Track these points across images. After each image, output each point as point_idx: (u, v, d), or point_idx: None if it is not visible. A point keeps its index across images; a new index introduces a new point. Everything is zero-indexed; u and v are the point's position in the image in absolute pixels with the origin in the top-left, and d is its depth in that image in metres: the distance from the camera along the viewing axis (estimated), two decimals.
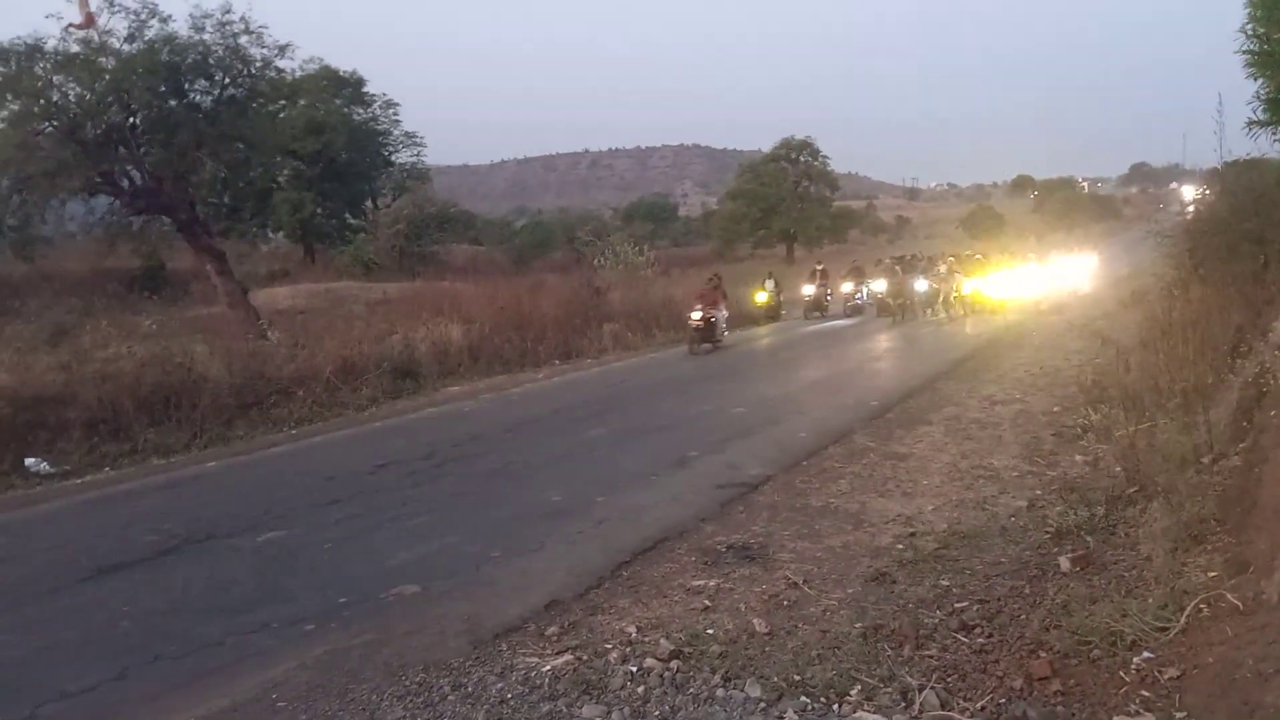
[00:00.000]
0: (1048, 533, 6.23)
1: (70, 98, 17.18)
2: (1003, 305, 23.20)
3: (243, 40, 18.42)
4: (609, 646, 4.90)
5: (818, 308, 26.49)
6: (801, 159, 49.50)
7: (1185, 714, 3.68)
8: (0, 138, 16.81)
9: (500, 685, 4.54)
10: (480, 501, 8.40)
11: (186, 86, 18.49)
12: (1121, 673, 4.09)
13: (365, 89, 41.02)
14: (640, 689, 4.41)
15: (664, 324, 21.65)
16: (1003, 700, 4.05)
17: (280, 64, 19.79)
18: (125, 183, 18.53)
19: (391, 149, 42.62)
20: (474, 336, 17.23)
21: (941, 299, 23.83)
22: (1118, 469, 7.07)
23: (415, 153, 44.07)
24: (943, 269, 25.12)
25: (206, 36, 18.07)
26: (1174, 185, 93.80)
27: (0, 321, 19.62)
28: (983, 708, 4.02)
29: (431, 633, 5.29)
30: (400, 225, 36.04)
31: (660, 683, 4.46)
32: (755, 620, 5.11)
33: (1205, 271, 10.40)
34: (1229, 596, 4.19)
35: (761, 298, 25.43)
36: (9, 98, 16.68)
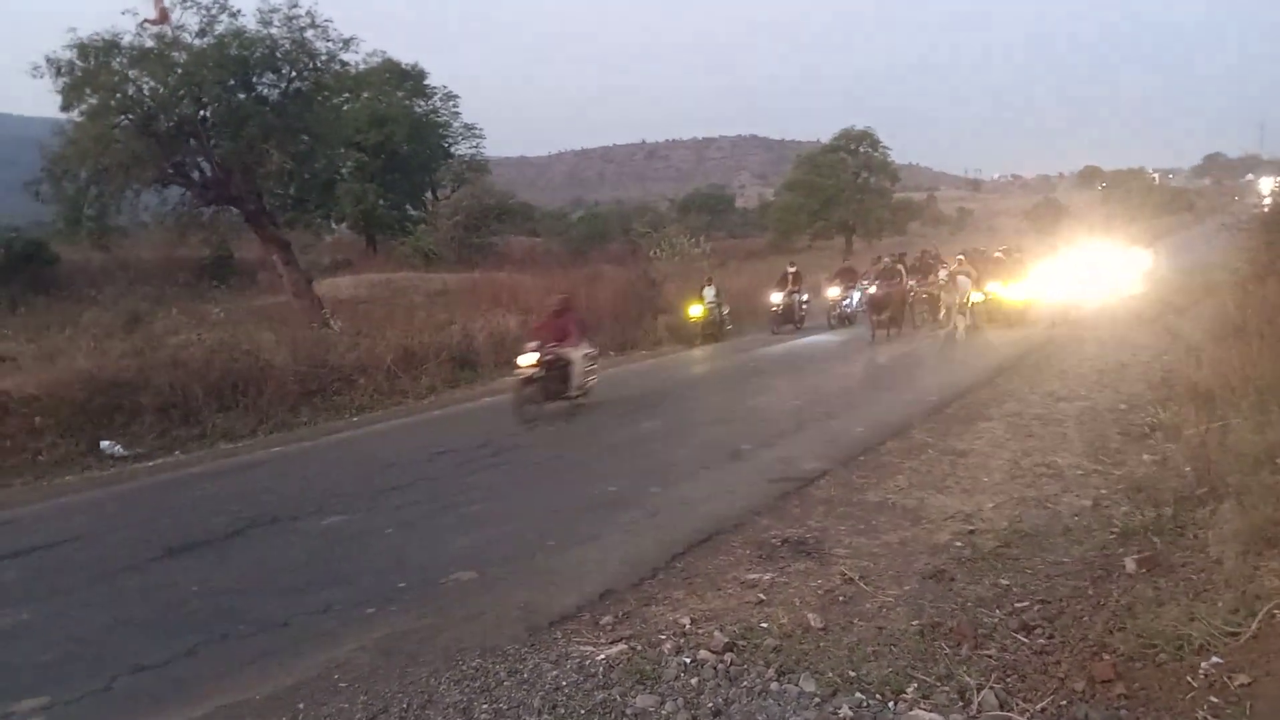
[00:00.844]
0: (1113, 533, 6.09)
1: (144, 91, 17.70)
2: (1023, 315, 19.03)
3: (308, 34, 18.78)
4: (663, 637, 4.92)
5: (789, 319, 21.16)
6: (861, 150, 48.79)
7: None
8: (79, 131, 17.42)
9: (555, 672, 4.59)
10: (536, 490, 8.49)
11: (254, 80, 18.92)
12: (1189, 678, 3.99)
13: (426, 81, 41.64)
14: (694, 680, 4.42)
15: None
16: (1064, 702, 3.99)
17: (344, 57, 20.17)
18: (196, 174, 19.06)
19: (451, 141, 43.09)
20: (530, 327, 17.31)
21: (944, 309, 18.88)
22: (1187, 469, 6.88)
23: (474, 144, 44.54)
24: (942, 274, 19.72)
25: (274, 31, 18.46)
26: (1249, 177, 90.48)
27: (78, 308, 20.40)
28: (1043, 709, 3.96)
29: (488, 619, 5.37)
30: (459, 216, 36.47)
31: (714, 675, 4.47)
32: (810, 615, 5.09)
33: None
34: None
35: (695, 311, 19.81)
36: (87, 92, 17.25)
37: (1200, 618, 4.33)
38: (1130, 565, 5.37)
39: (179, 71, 17.58)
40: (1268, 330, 7.58)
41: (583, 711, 4.19)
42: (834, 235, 48.88)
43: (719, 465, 8.87)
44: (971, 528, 6.52)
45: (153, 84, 17.69)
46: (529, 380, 11.43)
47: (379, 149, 36.64)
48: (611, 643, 4.90)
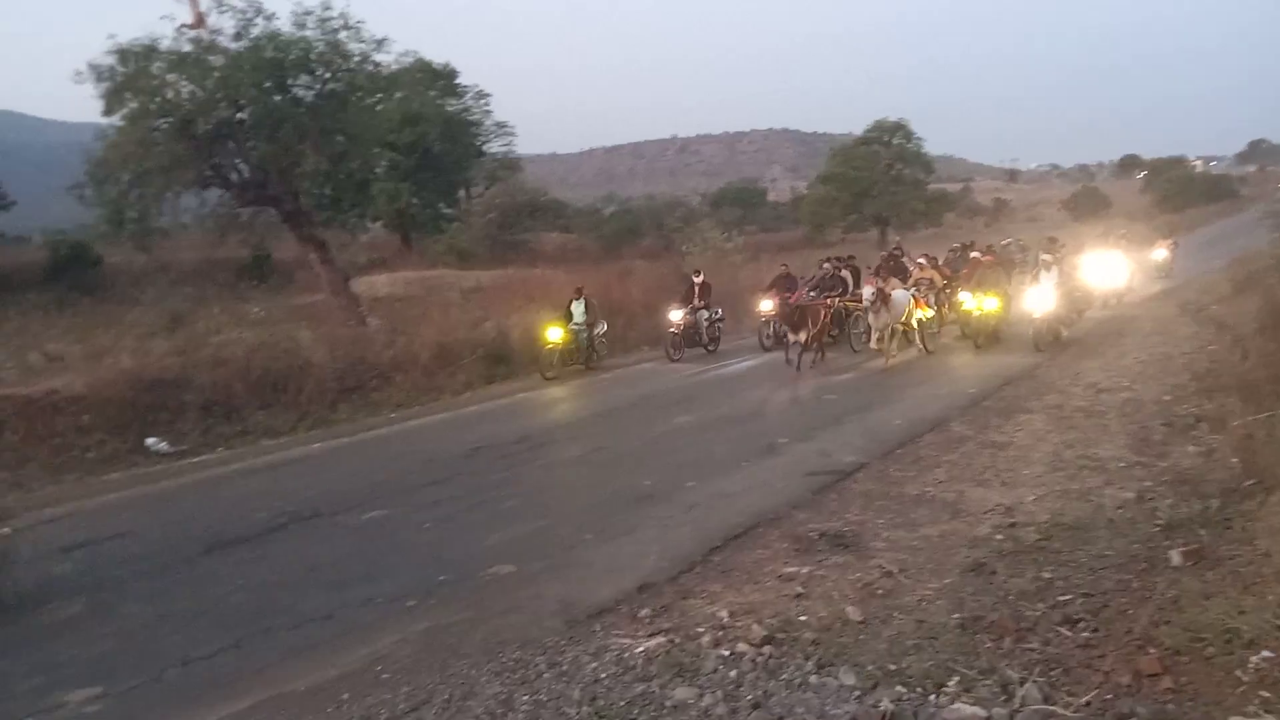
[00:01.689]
0: (1157, 526, 5.99)
1: (183, 95, 17.98)
2: (995, 332, 15.13)
3: (342, 35, 18.97)
4: (701, 630, 4.93)
5: (690, 340, 16.51)
6: (894, 141, 48.34)
7: None
8: (120, 135, 17.74)
9: (594, 664, 4.62)
10: (571, 485, 8.54)
11: (290, 82, 19.13)
12: (1238, 672, 3.92)
13: (457, 80, 41.90)
14: (732, 673, 4.42)
15: (751, 310, 21.35)
16: (1109, 696, 3.93)
17: (377, 58, 20.33)
18: (234, 175, 19.34)
19: (483, 139, 43.36)
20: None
21: (875, 332, 14.35)
22: (1234, 460, 6.76)
23: (506, 142, 44.76)
24: (866, 291, 14.58)
25: (308, 33, 18.67)
26: None
27: (122, 309, 20.80)
28: (1088, 703, 3.91)
29: (527, 612, 5.41)
30: (492, 214, 36.71)
31: (753, 667, 4.47)
32: (849, 608, 5.07)
33: None
34: None
35: (554, 334, 14.99)
36: (128, 96, 17.57)
37: (1249, 611, 4.25)
38: (1176, 558, 5.28)
39: (216, 75, 17.84)
40: None
41: (622, 703, 4.21)
42: (868, 228, 48.48)
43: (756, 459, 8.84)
44: (1012, 520, 6.44)
45: (191, 87, 17.97)
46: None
47: (412, 148, 36.89)
48: (650, 635, 4.92)
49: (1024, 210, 68.29)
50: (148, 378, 11.87)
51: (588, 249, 37.17)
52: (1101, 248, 19.79)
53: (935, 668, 4.33)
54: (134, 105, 17.67)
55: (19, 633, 5.61)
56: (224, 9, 18.14)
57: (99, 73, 17.45)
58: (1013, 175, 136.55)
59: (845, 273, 17.03)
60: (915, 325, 14.94)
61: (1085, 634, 4.57)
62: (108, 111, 17.85)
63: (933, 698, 4.08)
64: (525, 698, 4.33)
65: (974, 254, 17.37)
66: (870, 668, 4.37)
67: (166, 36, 17.86)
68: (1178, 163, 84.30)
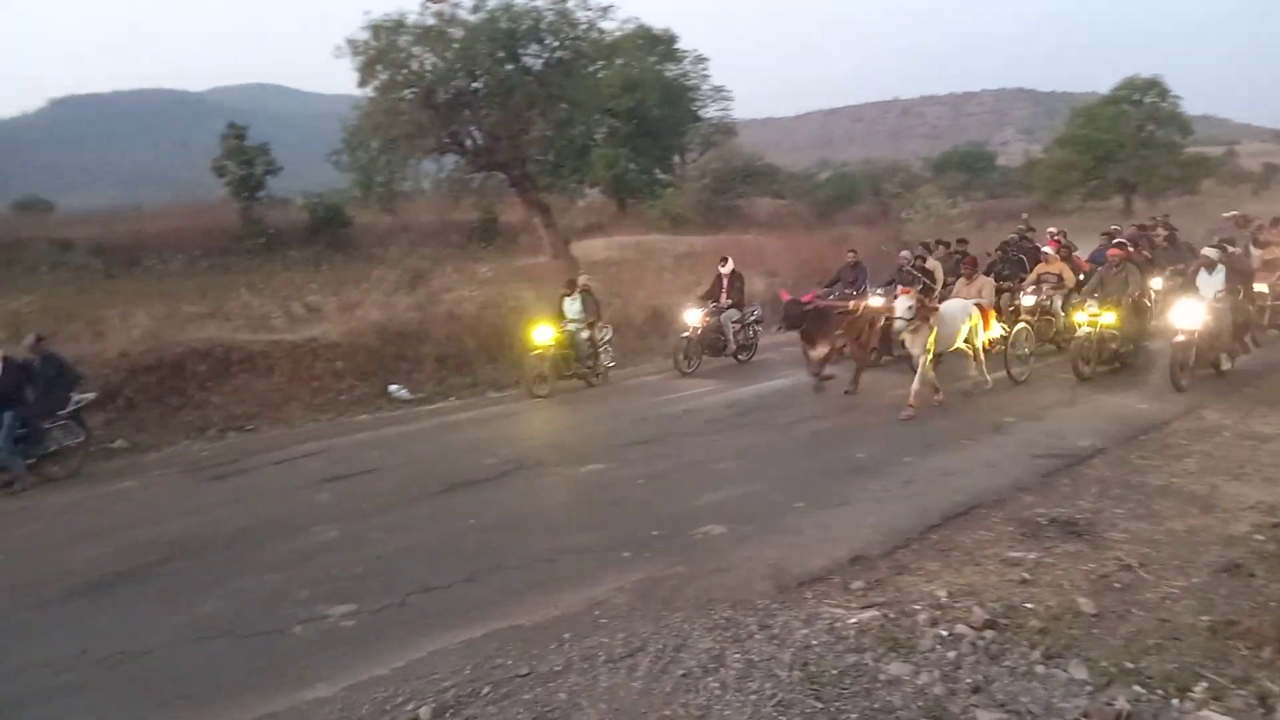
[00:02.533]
0: None
1: (426, 66, 19.31)
2: (1126, 354, 10.93)
3: (570, 4, 19.64)
4: (917, 608, 4.80)
5: (714, 348, 13.09)
6: (1147, 100, 43.85)
7: None
8: (371, 105, 19.32)
9: (805, 631, 4.61)
10: (782, 453, 8.50)
11: (520, 51, 20.07)
12: None
13: (676, 45, 42.13)
14: (951, 654, 4.29)
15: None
16: None
17: (602, 25, 20.89)
18: (469, 142, 20.59)
19: (700, 104, 43.48)
20: (776, 289, 17.21)
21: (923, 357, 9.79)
22: None
23: (722, 107, 44.72)
24: (900, 303, 9.95)
25: (538, 3, 19.47)
26: None
27: (369, 266, 22.65)
28: None
29: (738, 573, 5.48)
30: (706, 179, 36.83)
31: (973, 650, 4.31)
32: (1081, 599, 4.77)
33: None
34: None
35: (542, 336, 11.67)
36: (379, 69, 19.08)
37: None
38: None
39: (455, 46, 19.01)
40: None
41: (834, 671, 4.19)
42: (1110, 195, 44.45)
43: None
44: (1275, 520, 5.81)
45: (433, 59, 19.26)
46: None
47: (631, 114, 37.60)
48: (863, 608, 4.85)
49: None
50: (392, 330, 12.98)
51: (800, 214, 36.50)
52: None
53: (1179, 670, 4.01)
54: (384, 77, 19.19)
55: (291, 551, 6.33)
56: None
57: (355, 47, 19.05)
58: None
59: (933, 263, 13.22)
60: (979, 347, 10.54)
61: None
62: (362, 83, 19.50)
63: (1175, 702, 3.79)
64: (736, 656, 4.40)
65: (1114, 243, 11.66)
66: (1104, 663, 4.10)
67: (413, 11, 19.24)
68: None
